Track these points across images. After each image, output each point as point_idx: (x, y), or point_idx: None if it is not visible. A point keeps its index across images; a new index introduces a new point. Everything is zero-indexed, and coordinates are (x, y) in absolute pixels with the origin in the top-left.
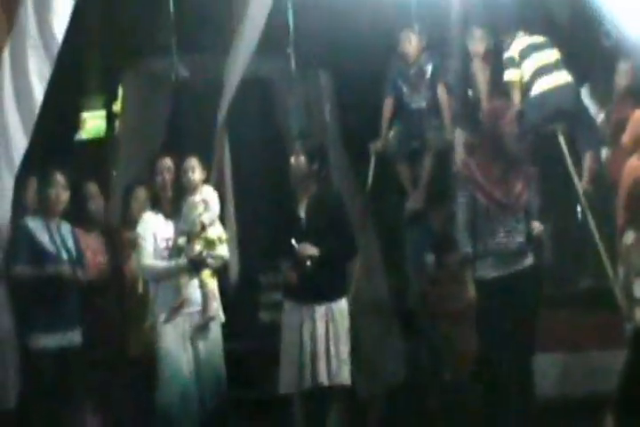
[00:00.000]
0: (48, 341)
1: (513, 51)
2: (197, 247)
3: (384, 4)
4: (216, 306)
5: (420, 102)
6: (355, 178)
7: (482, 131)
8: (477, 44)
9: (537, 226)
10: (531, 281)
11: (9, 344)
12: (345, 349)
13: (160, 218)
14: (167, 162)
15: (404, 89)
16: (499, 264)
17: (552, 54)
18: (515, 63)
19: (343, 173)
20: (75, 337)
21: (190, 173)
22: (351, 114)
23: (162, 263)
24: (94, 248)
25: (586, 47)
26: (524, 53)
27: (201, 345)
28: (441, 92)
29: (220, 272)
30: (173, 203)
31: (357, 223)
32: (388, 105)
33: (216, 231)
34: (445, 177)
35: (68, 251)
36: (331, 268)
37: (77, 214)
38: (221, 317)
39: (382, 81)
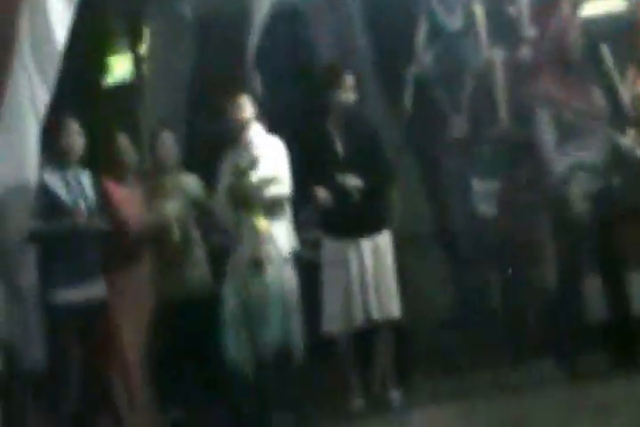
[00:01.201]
0: (72, 295)
1: None
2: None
3: None
4: (270, 247)
5: (455, 23)
6: (392, 105)
7: (547, 47)
8: None
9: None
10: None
11: (31, 302)
12: (393, 281)
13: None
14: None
15: (439, 9)
16: (592, 179)
17: None
18: None
19: (379, 102)
20: (98, 289)
21: (242, 111)
22: (384, 40)
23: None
24: (128, 198)
25: None
26: None
27: (254, 289)
28: (477, 10)
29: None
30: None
31: (396, 152)
32: (422, 27)
33: (266, 171)
34: (487, 100)
35: (86, 200)
36: (374, 199)
37: (108, 164)
38: (278, 261)
39: (416, 3)
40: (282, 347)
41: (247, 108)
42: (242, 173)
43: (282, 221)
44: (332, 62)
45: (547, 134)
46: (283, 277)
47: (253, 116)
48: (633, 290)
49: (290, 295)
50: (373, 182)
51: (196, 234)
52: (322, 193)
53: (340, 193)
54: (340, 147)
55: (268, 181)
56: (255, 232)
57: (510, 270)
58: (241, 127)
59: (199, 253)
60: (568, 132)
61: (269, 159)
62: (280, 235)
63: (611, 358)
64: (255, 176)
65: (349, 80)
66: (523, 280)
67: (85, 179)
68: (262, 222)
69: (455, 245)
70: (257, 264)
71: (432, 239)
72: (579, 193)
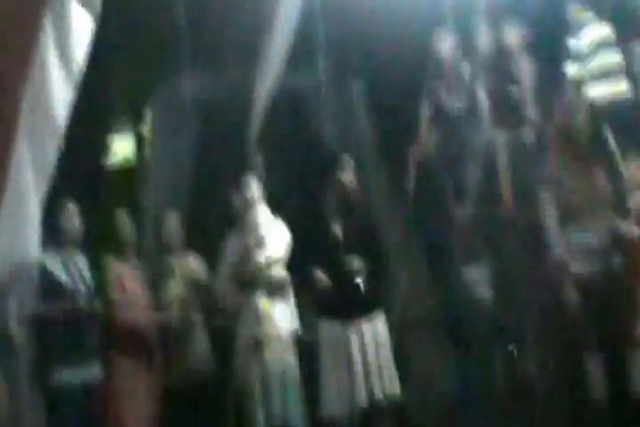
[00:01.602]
0: (70, 376)
1: (584, 41)
2: (250, 268)
3: (415, 6)
4: (270, 328)
5: (458, 105)
6: (395, 189)
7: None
8: (511, 34)
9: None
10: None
11: (27, 383)
12: (392, 363)
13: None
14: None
15: (442, 93)
16: (589, 262)
17: (611, 59)
18: (579, 57)
19: (381, 184)
20: (96, 372)
21: (249, 191)
22: (386, 123)
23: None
24: (129, 275)
25: None
26: (592, 49)
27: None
28: (480, 93)
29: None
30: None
31: (401, 235)
32: (426, 111)
33: (269, 253)
34: (490, 181)
35: (85, 283)
36: (372, 282)
37: (110, 243)
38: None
39: (418, 87)
40: None
41: (254, 187)
42: (249, 252)
43: (284, 302)
44: (332, 144)
45: (550, 217)
46: (283, 358)
47: (259, 196)
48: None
49: (290, 376)
50: (372, 265)
51: (197, 316)
52: (321, 276)
53: (342, 275)
54: (339, 229)
55: (274, 262)
56: (257, 313)
57: (512, 348)
58: (248, 207)
59: (201, 335)
60: (571, 215)
61: (274, 240)
62: (282, 316)
63: None
64: (261, 256)
65: (349, 161)
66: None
67: (83, 261)
68: (265, 303)
69: (457, 328)
70: (257, 345)
71: (435, 322)
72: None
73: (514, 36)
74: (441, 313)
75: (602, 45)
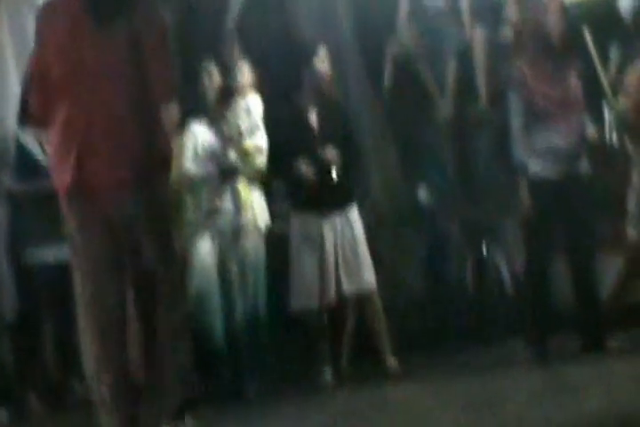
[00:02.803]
0: (44, 254)
1: None
2: (232, 156)
3: None
4: (250, 216)
5: (437, 1)
6: (372, 83)
7: (527, 28)
8: None
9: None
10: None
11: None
12: (366, 253)
13: (203, 124)
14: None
15: None
16: (554, 166)
17: None
18: None
19: (360, 78)
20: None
21: (239, 76)
22: (366, 16)
23: (197, 169)
24: None
25: None
26: None
27: (234, 259)
28: None
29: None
30: (219, 107)
31: (376, 131)
32: (403, 3)
33: (255, 141)
34: (469, 79)
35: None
36: (346, 175)
37: None
38: (260, 228)
39: None
40: (252, 319)
41: (247, 73)
42: (236, 138)
43: (258, 192)
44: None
45: (515, 118)
46: (259, 248)
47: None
48: (601, 275)
49: (261, 267)
50: (347, 157)
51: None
52: (305, 167)
53: (316, 166)
54: (314, 119)
55: (259, 150)
56: (236, 201)
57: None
58: (241, 91)
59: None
60: (540, 118)
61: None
62: (259, 205)
63: (580, 341)
64: (250, 143)
65: (325, 52)
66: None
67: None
68: (245, 191)
69: (428, 223)
70: (236, 233)
71: (404, 219)
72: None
73: None
74: (411, 211)
75: None
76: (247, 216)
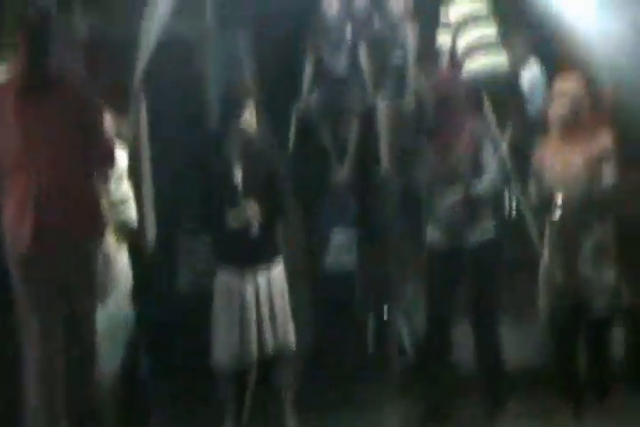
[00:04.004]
0: None
1: (451, 16)
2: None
3: None
4: (113, 274)
5: (340, 67)
6: (276, 143)
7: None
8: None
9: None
10: (486, 252)
11: None
12: (288, 311)
13: None
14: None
15: (325, 50)
16: (445, 235)
17: (488, 32)
18: (449, 29)
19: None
20: None
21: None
22: (271, 75)
23: None
24: None
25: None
26: (460, 24)
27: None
28: (362, 54)
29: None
30: None
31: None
32: (308, 67)
33: (119, 192)
34: (370, 145)
35: None
36: (271, 229)
37: None
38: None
39: (304, 41)
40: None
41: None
42: None
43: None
44: (234, 88)
45: (420, 184)
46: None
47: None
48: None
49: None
50: (270, 213)
51: None
52: (228, 221)
53: (240, 222)
54: (239, 176)
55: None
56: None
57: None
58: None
59: None
60: (438, 184)
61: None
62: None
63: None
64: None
65: (250, 105)
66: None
67: None
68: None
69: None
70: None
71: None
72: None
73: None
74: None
75: (476, 18)
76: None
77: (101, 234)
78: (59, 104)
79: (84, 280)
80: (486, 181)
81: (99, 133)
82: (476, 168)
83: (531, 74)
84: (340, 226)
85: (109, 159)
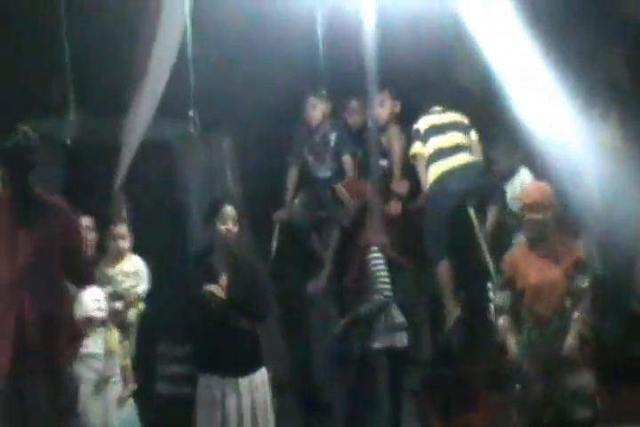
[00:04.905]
0: None
1: (420, 124)
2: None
3: (291, 68)
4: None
5: (325, 172)
6: (257, 248)
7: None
8: (384, 108)
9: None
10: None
11: None
12: (271, 420)
13: None
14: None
15: (309, 158)
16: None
17: (453, 137)
18: (419, 136)
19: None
20: None
21: (121, 241)
22: (254, 181)
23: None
24: None
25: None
26: (428, 132)
27: None
28: (346, 161)
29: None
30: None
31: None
32: (292, 174)
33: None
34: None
35: None
36: (254, 338)
37: None
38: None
39: (287, 148)
40: None
41: (127, 238)
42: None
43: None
44: (215, 196)
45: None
46: None
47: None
48: None
49: None
50: (254, 320)
51: None
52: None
53: (223, 330)
54: (224, 281)
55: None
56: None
57: None
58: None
59: None
60: None
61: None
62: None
63: None
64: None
65: (232, 212)
66: None
67: None
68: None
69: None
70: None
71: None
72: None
73: (385, 106)
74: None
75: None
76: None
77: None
78: (43, 228)
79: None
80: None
81: (80, 257)
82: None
83: (520, 180)
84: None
85: (89, 280)
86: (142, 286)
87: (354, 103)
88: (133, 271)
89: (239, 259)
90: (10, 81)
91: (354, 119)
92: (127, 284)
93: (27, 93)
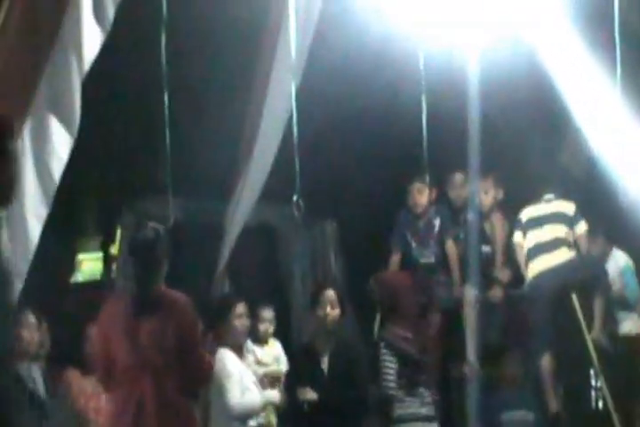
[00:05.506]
0: None
1: (523, 213)
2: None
3: (394, 152)
4: None
5: (428, 257)
6: (360, 332)
7: None
8: (487, 195)
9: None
10: None
11: None
12: None
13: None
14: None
15: (412, 243)
16: None
17: (553, 230)
18: (521, 226)
19: (352, 325)
20: None
21: (268, 324)
22: (357, 265)
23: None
24: (90, 391)
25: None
26: (528, 224)
27: None
28: (449, 247)
29: None
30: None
31: None
32: (395, 259)
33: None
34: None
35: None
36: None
37: (75, 357)
38: None
39: (389, 233)
40: None
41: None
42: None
43: None
44: (318, 280)
45: None
46: None
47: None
48: None
49: None
50: (351, 403)
51: None
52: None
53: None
54: (325, 364)
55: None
56: None
57: None
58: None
59: None
60: None
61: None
62: None
63: None
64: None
65: (332, 296)
66: None
67: (37, 373)
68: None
69: None
70: None
71: None
72: None
73: (488, 193)
74: None
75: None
76: None
77: None
78: (165, 321)
79: None
80: None
81: (197, 351)
82: None
83: (615, 263)
84: None
85: (204, 380)
86: (284, 369)
87: (457, 177)
88: (275, 355)
89: (340, 344)
90: (117, 163)
91: (456, 193)
92: (273, 367)
93: (131, 176)
